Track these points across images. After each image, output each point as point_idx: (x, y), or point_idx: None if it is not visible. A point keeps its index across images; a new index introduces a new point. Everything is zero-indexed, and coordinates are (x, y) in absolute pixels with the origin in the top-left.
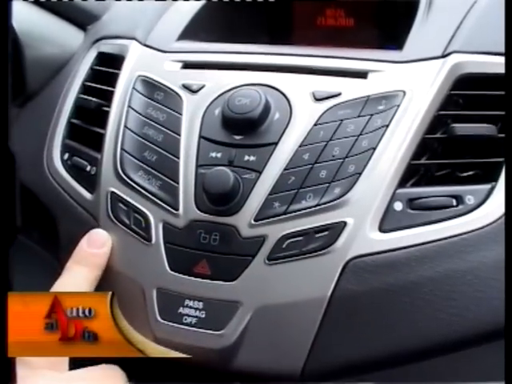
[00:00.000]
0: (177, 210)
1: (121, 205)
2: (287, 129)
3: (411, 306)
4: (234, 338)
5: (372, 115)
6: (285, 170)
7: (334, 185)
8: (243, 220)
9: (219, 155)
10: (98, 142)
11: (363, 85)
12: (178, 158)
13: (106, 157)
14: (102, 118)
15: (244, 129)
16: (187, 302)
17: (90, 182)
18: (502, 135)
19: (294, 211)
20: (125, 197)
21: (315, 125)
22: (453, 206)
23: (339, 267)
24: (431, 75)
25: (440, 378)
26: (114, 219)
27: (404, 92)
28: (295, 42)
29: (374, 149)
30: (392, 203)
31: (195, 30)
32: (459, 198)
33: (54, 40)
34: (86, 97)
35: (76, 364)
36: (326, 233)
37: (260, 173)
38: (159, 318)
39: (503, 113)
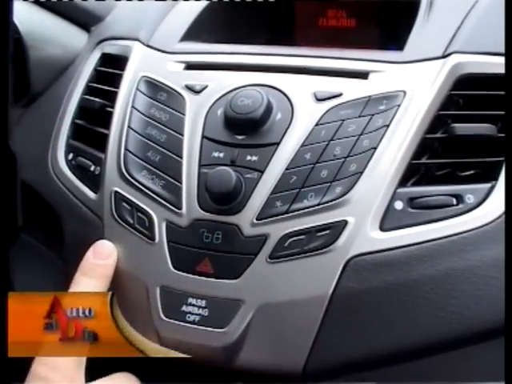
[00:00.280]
0: (180, 209)
1: (125, 204)
2: (289, 129)
3: (412, 304)
4: (236, 336)
5: (373, 115)
6: (286, 169)
7: (336, 184)
8: (245, 219)
9: (222, 155)
10: (101, 143)
11: (364, 85)
12: (181, 157)
13: (110, 157)
14: (105, 119)
15: (246, 129)
16: (190, 300)
17: (94, 181)
18: (502, 135)
19: (296, 210)
20: (128, 196)
21: (317, 125)
22: (453, 205)
23: (340, 266)
24: (432, 75)
25: (440, 377)
26: (118, 218)
27: (405, 92)
28: (297, 42)
29: (375, 148)
30: (393, 202)
31: (198, 31)
32: (459, 197)
33: (57, 41)
34: (89, 97)
35: (91, 377)
36: (327, 231)
37: (262, 172)
38: (163, 316)
39: (503, 113)
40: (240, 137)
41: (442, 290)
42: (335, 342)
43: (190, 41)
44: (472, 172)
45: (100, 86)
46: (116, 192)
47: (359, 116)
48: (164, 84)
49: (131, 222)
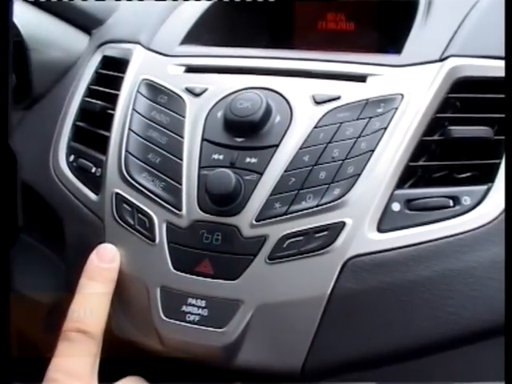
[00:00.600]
0: (180, 210)
1: (125, 205)
2: (288, 131)
3: (409, 305)
4: (235, 336)
5: (371, 118)
6: (285, 171)
7: (334, 186)
8: (245, 220)
9: (221, 157)
10: (102, 145)
11: (362, 88)
12: (182, 159)
13: (111, 159)
14: (106, 121)
15: (246, 131)
16: (190, 300)
17: (95, 183)
18: (498, 137)
19: (295, 212)
20: (129, 198)
21: (315, 127)
22: (449, 207)
23: (338, 266)
24: (429, 79)
25: (439, 377)
26: (119, 220)
27: (402, 95)
28: (296, 45)
29: (373, 151)
30: (390, 204)
31: (198, 34)
32: (456, 199)
33: (59, 44)
34: (91, 100)
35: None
36: (325, 233)
37: (261, 174)
38: (163, 316)
39: (500, 115)
40: (239, 139)
41: (439, 290)
42: (333, 341)
43: (190, 44)
44: (469, 174)
45: (101, 89)
46: (117, 193)
47: (357, 119)
48: (164, 87)
49: (132, 223)
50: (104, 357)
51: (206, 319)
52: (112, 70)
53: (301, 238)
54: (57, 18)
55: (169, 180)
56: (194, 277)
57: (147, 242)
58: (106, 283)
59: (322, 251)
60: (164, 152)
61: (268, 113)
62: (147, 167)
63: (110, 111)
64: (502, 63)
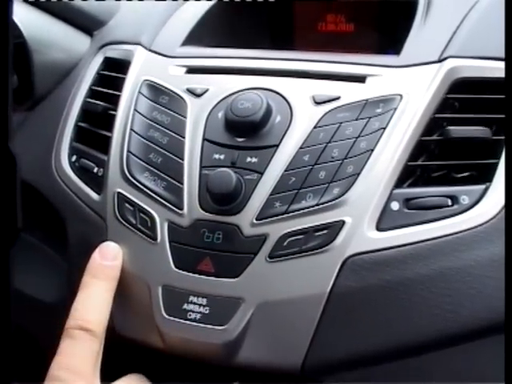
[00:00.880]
0: (181, 209)
1: (127, 205)
2: (288, 131)
3: (408, 303)
4: (236, 333)
5: (370, 118)
6: (286, 171)
7: (333, 185)
8: (245, 219)
9: (222, 157)
10: (104, 145)
11: (362, 89)
12: (183, 159)
13: (113, 159)
14: (108, 122)
15: (246, 131)
16: (191, 298)
17: (98, 183)
18: (497, 137)
19: (295, 211)
20: (131, 197)
21: (315, 127)
22: (448, 206)
23: (338, 265)
24: (428, 79)
25: (439, 374)
26: (121, 219)
27: (401, 96)
28: (296, 46)
29: (372, 150)
30: (389, 203)
31: (199, 35)
32: (454, 198)
33: (61, 45)
34: (92, 101)
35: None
36: (325, 231)
37: (262, 174)
38: (165, 314)
39: (498, 116)
40: (240, 139)
41: (437, 288)
42: (333, 339)
43: (191, 45)
44: (467, 174)
45: (103, 90)
46: (119, 193)
47: (356, 119)
48: (166, 87)
49: (134, 222)
50: (106, 354)
51: (207, 317)
52: (114, 71)
53: (301, 236)
54: (59, 19)
55: (170, 179)
56: (196, 275)
57: (149, 241)
58: (108, 281)
59: (321, 250)
60: (165, 152)
61: (268, 113)
62: (149, 167)
63: (111, 112)
64: (500, 64)
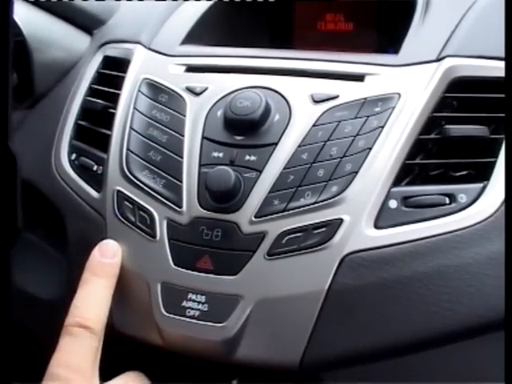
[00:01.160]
0: (180, 207)
1: (126, 203)
2: (287, 130)
3: (405, 300)
4: (235, 330)
5: (368, 117)
6: (284, 169)
7: (332, 183)
8: (244, 217)
9: (221, 155)
10: (104, 143)
11: (360, 87)
12: (182, 157)
13: (113, 157)
14: (108, 120)
15: (245, 130)
16: (190, 295)
17: (97, 181)
18: (494, 136)
19: (293, 208)
20: (130, 195)
21: (314, 126)
22: (446, 204)
23: (336, 262)
24: (426, 78)
25: (437, 372)
26: (120, 217)
27: (399, 94)
28: (295, 45)
29: (370, 149)
30: (387, 201)
31: (198, 34)
32: (452, 197)
33: (61, 44)
34: (92, 99)
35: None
36: (323, 229)
37: (260, 172)
38: (164, 311)
39: (496, 115)
40: (239, 137)
41: (435, 286)
42: (331, 336)
43: (190, 44)
44: (465, 172)
45: (102, 88)
46: (118, 191)
47: (355, 117)
48: (165, 86)
49: (133, 220)
50: (105, 352)
51: (206, 314)
52: (113, 69)
53: (299, 234)
54: (59, 18)
55: (169, 177)
56: (195, 272)
57: (148, 239)
58: (107, 278)
59: (320, 247)
60: (165, 150)
61: (267, 111)
62: (148, 165)
63: (111, 110)
64: (498, 63)
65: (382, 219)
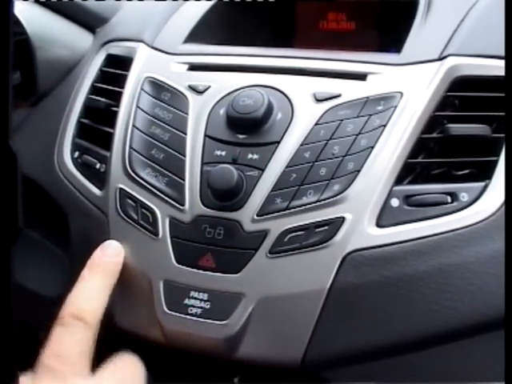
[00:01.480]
0: (183, 205)
1: (129, 201)
2: (289, 128)
3: (407, 298)
4: (237, 328)
5: (371, 115)
6: (287, 167)
7: (334, 182)
8: (246, 215)
9: (224, 153)
10: (107, 141)
11: (362, 86)
12: (184, 155)
13: (115, 155)
14: (110, 118)
15: (248, 128)
16: (193, 293)
17: (100, 179)
18: (496, 135)
19: (295, 207)
20: (133, 193)
21: (316, 124)
22: (447, 203)
23: (338, 260)
24: (428, 77)
25: (438, 370)
26: (123, 214)
27: (401, 93)
28: (297, 44)
29: (372, 147)
30: (389, 200)
31: (201, 32)
32: (454, 195)
33: (64, 42)
34: (95, 97)
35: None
36: (325, 228)
37: (263, 170)
38: (166, 309)
39: (497, 113)
40: (241, 136)
41: (436, 284)
42: (333, 334)
43: (193, 42)
44: (467, 171)
45: (105, 86)
46: (121, 189)
47: (357, 116)
48: (168, 84)
49: (135, 217)
50: (107, 348)
51: (209, 312)
52: (116, 67)
53: (301, 232)
54: (62, 16)
55: (172, 176)
56: (197, 270)
57: (150, 237)
58: (107, 276)
59: (322, 246)
60: (167, 148)
61: (270, 110)
62: (151, 163)
63: (114, 108)
64: (499, 62)
65: (384, 218)
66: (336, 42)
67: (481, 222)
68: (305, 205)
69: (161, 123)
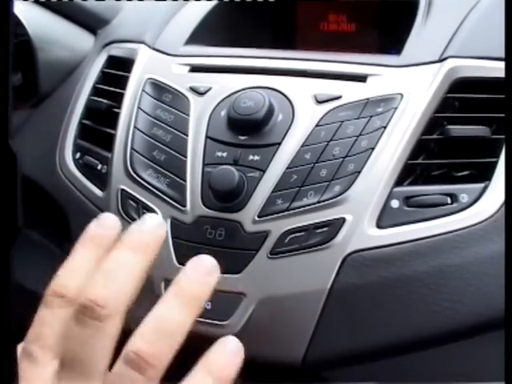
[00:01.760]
0: (184, 206)
1: (130, 202)
2: (290, 130)
3: (407, 299)
4: (238, 328)
5: (371, 117)
6: (287, 168)
7: (334, 183)
8: (247, 216)
9: (225, 154)
10: (108, 142)
11: (363, 88)
12: (186, 157)
13: (117, 156)
14: (112, 119)
15: (249, 129)
16: None
17: (101, 180)
18: (496, 136)
19: (296, 208)
20: (134, 194)
21: (317, 126)
22: (447, 204)
23: (338, 261)
24: (428, 79)
25: (438, 371)
26: (124, 215)
27: (402, 95)
28: (298, 46)
29: (373, 149)
30: (389, 201)
31: (202, 34)
32: (453, 197)
33: (65, 43)
34: (96, 98)
35: None
36: (326, 228)
37: (264, 171)
38: None
39: (497, 115)
40: (242, 137)
41: (436, 285)
42: (333, 334)
43: (194, 44)
44: (466, 172)
45: (107, 88)
46: (122, 190)
47: (358, 118)
48: (169, 86)
49: (137, 218)
50: None
51: (210, 312)
52: (117, 69)
53: (302, 233)
54: (63, 17)
55: (173, 177)
56: None
57: None
58: (97, 249)
59: (322, 246)
60: (168, 149)
61: (270, 111)
62: (152, 164)
63: (115, 109)
64: (499, 64)
65: (384, 219)
66: (336, 44)
67: (480, 223)
68: (305, 206)
69: (162, 124)
